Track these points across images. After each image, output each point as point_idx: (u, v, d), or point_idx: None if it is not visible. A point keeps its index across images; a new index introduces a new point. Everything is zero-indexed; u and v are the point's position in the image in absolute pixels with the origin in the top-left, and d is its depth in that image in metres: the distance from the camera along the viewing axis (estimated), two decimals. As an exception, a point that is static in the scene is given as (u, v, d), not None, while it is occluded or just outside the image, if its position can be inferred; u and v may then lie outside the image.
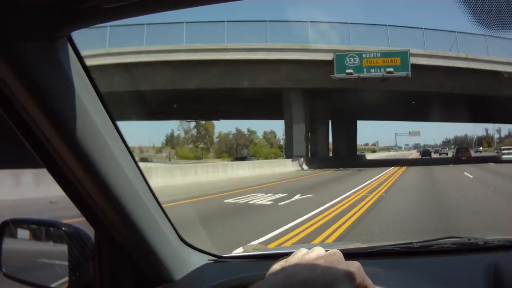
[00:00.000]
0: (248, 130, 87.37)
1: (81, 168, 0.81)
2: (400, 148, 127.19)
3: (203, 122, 75.16)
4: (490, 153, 53.32)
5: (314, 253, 0.58)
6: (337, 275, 0.54)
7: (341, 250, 0.59)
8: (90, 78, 0.80)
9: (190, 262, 1.08)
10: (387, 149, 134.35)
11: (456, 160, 33.39)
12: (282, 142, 76.68)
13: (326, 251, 0.59)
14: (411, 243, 1.12)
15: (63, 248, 0.99)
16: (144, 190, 0.94)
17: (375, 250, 1.13)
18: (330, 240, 4.97)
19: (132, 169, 0.90)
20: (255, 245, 4.79)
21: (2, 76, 0.68)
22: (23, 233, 1.12)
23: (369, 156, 60.26)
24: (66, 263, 1.00)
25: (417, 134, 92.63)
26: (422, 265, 1.01)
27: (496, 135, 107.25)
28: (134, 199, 0.90)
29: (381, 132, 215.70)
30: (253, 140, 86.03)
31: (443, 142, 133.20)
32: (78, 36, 0.77)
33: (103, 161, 0.82)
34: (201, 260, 1.13)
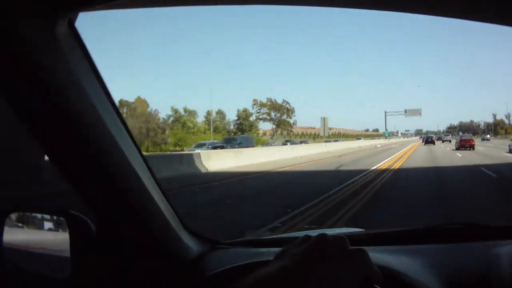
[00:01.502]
0: (186, 110, 63.37)
1: (80, 151, 0.80)
2: (394, 134, 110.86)
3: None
4: (505, 140, 48.51)
5: (319, 239, 0.58)
6: (342, 261, 0.54)
7: (345, 235, 0.59)
8: (91, 63, 0.78)
9: (193, 248, 1.08)
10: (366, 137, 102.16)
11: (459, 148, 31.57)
12: (232, 126, 69.77)
13: (331, 236, 0.58)
14: (417, 228, 1.12)
15: (65, 235, 0.98)
16: (145, 175, 0.93)
17: (380, 236, 1.13)
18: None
19: (133, 154, 0.89)
20: (259, 232, 4.83)
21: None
22: (24, 220, 1.11)
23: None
24: (68, 251, 0.98)
25: (417, 114, 78.95)
26: (427, 251, 1.01)
27: (506, 121, 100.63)
28: (136, 185, 0.89)
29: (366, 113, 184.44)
30: (186, 123, 60.02)
31: (448, 128, 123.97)
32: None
33: (103, 146, 0.81)
34: (203, 246, 1.13)
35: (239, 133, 64.65)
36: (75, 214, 0.97)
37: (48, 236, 1.10)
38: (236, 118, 72.03)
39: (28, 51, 0.66)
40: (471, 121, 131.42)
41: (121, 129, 0.86)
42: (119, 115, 0.86)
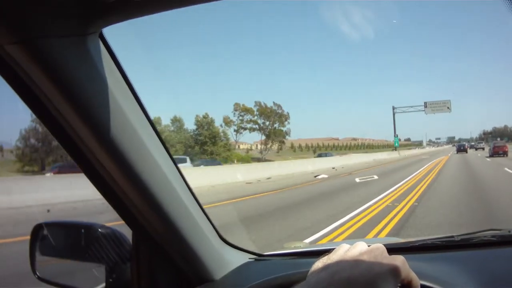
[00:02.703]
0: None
1: (117, 168, 0.78)
2: (418, 145, 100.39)
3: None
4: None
5: (357, 249, 0.57)
6: (381, 271, 0.53)
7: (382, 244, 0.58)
8: (124, 75, 0.77)
9: (230, 261, 1.07)
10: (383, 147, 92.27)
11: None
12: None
13: (368, 246, 0.58)
14: (452, 236, 1.12)
15: (99, 250, 0.98)
16: (183, 189, 0.92)
17: (416, 244, 1.12)
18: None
19: (169, 168, 0.87)
20: (296, 243, 4.82)
21: (31, 74, 0.66)
22: (57, 236, 1.11)
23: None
24: (103, 265, 0.98)
25: (444, 108, 49.52)
26: (463, 258, 1.02)
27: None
28: (172, 198, 0.87)
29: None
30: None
31: (482, 134, 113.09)
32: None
33: (139, 160, 0.79)
34: (241, 259, 1.12)
35: (196, 147, 49.28)
36: (109, 228, 0.96)
37: (81, 250, 1.10)
38: (194, 127, 52.08)
39: (61, 67, 0.65)
40: (505, 126, 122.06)
41: (157, 142, 0.85)
42: (154, 127, 0.84)
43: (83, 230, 1.07)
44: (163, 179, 0.84)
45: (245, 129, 56.58)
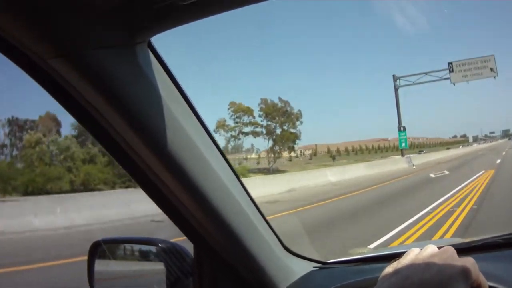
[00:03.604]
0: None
1: (175, 181, 0.76)
2: (464, 141, 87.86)
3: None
4: None
5: (428, 252, 0.56)
6: (453, 273, 0.52)
7: (444, 246, 0.58)
8: (176, 84, 0.75)
9: (294, 270, 1.05)
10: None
11: None
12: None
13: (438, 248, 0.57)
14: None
15: (159, 265, 0.96)
16: (245, 200, 0.89)
17: (479, 243, 1.09)
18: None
19: (230, 178, 0.85)
20: (360, 249, 4.73)
21: (78, 87, 0.65)
22: (116, 252, 1.10)
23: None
24: (163, 280, 0.96)
25: (486, 70, 28.99)
26: None
27: None
28: (234, 210, 0.85)
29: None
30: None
31: None
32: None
33: (197, 170, 0.76)
34: (306, 267, 1.10)
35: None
36: (169, 243, 0.95)
37: (140, 267, 1.09)
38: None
39: (110, 79, 0.64)
40: None
41: (213, 149, 0.82)
42: (210, 135, 0.82)
43: (142, 246, 1.06)
44: (223, 188, 0.82)
45: (246, 134, 41.49)
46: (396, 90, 33.99)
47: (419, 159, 28.18)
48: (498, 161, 20.29)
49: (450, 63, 31.28)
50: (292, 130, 42.11)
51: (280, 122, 41.82)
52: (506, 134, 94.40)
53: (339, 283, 0.97)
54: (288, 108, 41.87)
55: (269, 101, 41.71)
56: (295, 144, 44.08)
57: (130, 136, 0.71)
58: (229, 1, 0.63)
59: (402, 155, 31.02)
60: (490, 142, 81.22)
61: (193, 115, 0.78)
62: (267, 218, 0.98)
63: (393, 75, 34.50)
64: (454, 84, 31.30)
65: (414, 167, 23.34)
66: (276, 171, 36.84)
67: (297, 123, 42.23)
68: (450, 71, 31.17)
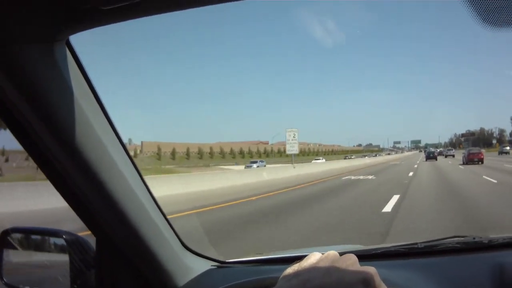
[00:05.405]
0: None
1: (80, 174, 0.80)
2: (378, 150, 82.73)
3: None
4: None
5: (329, 257, 0.56)
6: (353, 281, 0.52)
7: (346, 252, 0.58)
8: (89, 83, 0.79)
9: (193, 268, 1.07)
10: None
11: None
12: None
13: (340, 254, 0.57)
14: (416, 243, 1.11)
15: (64, 256, 0.98)
16: (146, 197, 0.93)
17: (379, 251, 1.12)
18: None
19: (133, 176, 0.89)
20: (261, 253, 4.72)
21: None
22: (23, 242, 1.10)
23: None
24: (67, 271, 0.98)
25: None
26: (427, 265, 1.01)
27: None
28: (135, 206, 0.89)
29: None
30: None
31: (453, 137, 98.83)
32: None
33: (103, 168, 0.80)
34: (204, 266, 1.12)
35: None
36: (74, 235, 0.96)
37: (46, 258, 1.09)
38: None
39: (27, 74, 0.66)
40: (481, 129, 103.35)
41: (119, 146, 0.86)
42: (118, 135, 0.86)
43: (49, 237, 1.06)
44: (125, 184, 0.86)
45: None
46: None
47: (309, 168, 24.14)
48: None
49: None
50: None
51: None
52: (416, 145, 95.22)
53: (233, 281, 1.00)
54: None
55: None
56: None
57: (40, 128, 0.73)
58: (155, 6, 0.66)
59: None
60: (395, 153, 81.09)
61: (102, 113, 0.82)
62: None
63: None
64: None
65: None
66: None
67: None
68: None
